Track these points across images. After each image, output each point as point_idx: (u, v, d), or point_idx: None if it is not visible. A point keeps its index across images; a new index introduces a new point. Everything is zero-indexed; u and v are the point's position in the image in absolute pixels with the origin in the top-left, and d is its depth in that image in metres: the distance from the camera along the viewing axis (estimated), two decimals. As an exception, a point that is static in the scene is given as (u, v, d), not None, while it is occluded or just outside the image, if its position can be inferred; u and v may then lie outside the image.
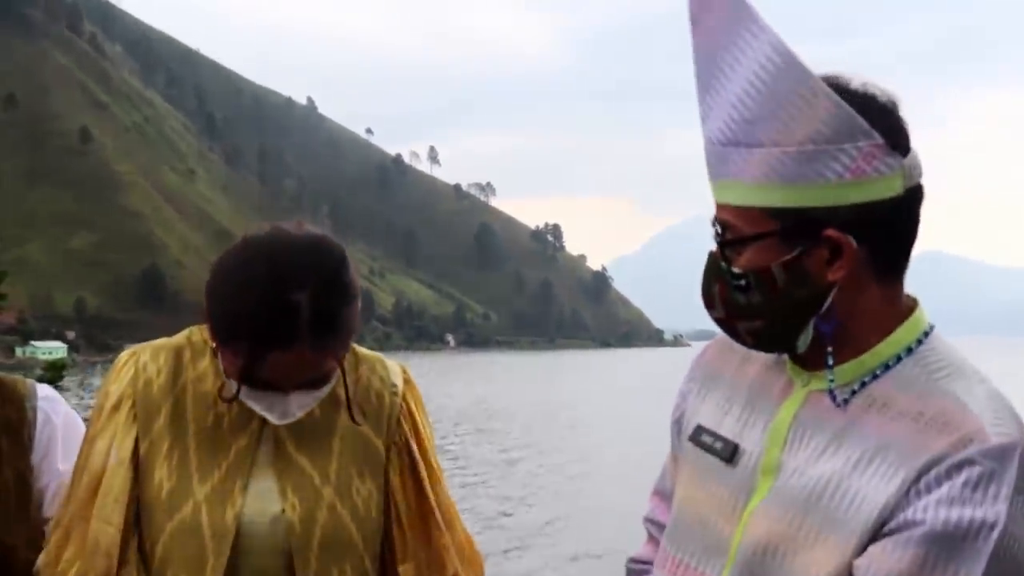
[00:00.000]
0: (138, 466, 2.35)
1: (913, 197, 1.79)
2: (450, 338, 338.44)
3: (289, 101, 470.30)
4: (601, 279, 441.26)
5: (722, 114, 1.79)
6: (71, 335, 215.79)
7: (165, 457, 2.35)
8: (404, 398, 2.44)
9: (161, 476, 2.34)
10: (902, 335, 1.86)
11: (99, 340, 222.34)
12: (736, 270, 1.83)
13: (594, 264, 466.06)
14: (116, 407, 2.39)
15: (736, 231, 1.83)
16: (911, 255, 1.85)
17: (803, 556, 1.80)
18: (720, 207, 1.86)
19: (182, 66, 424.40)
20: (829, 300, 1.81)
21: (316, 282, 2.20)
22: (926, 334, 1.88)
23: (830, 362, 1.85)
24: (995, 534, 1.65)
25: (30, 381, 2.61)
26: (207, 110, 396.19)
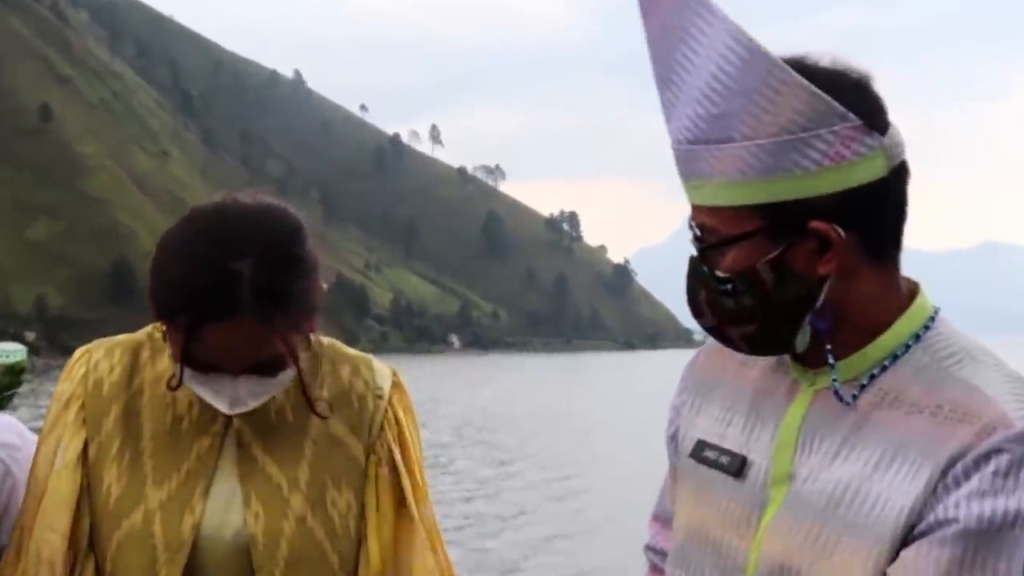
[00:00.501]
0: (87, 470, 2.37)
1: (898, 176, 1.85)
2: (454, 339, 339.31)
3: (274, 75, 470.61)
4: (623, 273, 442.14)
5: (686, 111, 1.83)
6: (31, 336, 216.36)
7: (114, 460, 2.35)
8: (390, 402, 2.43)
9: (110, 480, 2.34)
10: (906, 322, 1.91)
11: (62, 342, 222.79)
12: (720, 274, 1.88)
13: (615, 256, 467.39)
14: (65, 407, 2.42)
15: (716, 233, 1.87)
16: (903, 237, 1.92)
17: (827, 568, 1.85)
18: (696, 209, 1.91)
19: (154, 35, 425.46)
20: (822, 295, 1.86)
21: (261, 250, 2.22)
22: (932, 319, 1.93)
23: (831, 360, 1.90)
24: None
25: None
26: (182, 85, 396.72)
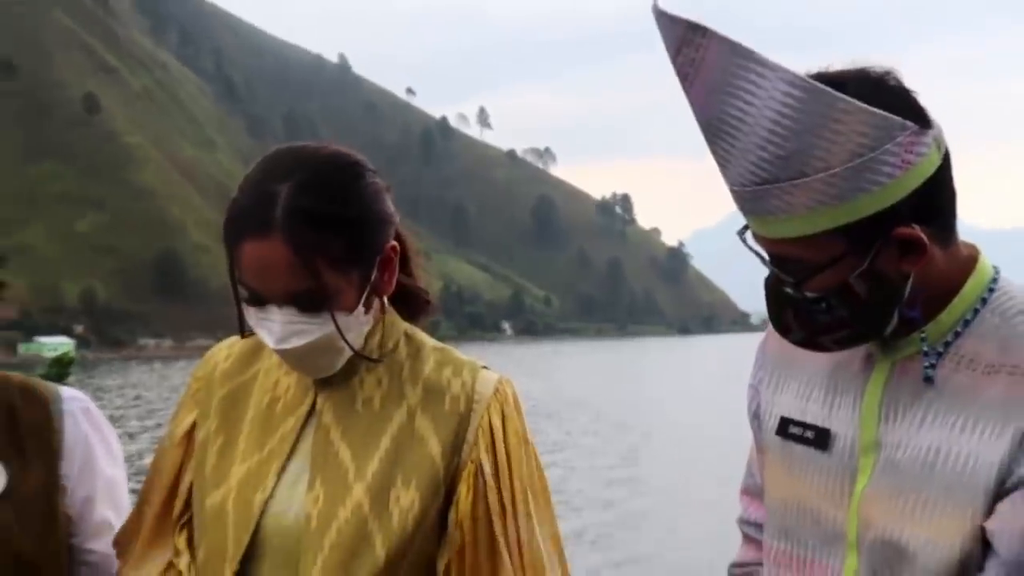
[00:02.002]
0: (192, 448, 2.48)
1: (946, 158, 1.98)
2: (507, 326, 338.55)
3: (318, 59, 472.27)
4: (678, 256, 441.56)
5: (748, 157, 1.93)
6: (79, 329, 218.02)
7: (214, 439, 2.44)
8: (489, 410, 2.34)
9: (208, 458, 2.43)
10: (972, 287, 2.05)
11: (110, 335, 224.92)
12: (811, 294, 2.00)
13: (669, 239, 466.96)
14: (187, 390, 2.55)
15: (804, 262, 1.99)
16: (956, 209, 2.03)
17: (928, 528, 1.97)
18: (772, 242, 2.02)
19: (197, 23, 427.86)
20: (908, 287, 2.00)
21: (304, 174, 2.25)
22: (995, 280, 2.07)
23: (925, 347, 2.05)
24: None
25: (53, 384, 2.69)
26: (226, 72, 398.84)
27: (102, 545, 2.60)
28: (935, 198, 1.96)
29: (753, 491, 2.47)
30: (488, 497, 2.29)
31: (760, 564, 2.40)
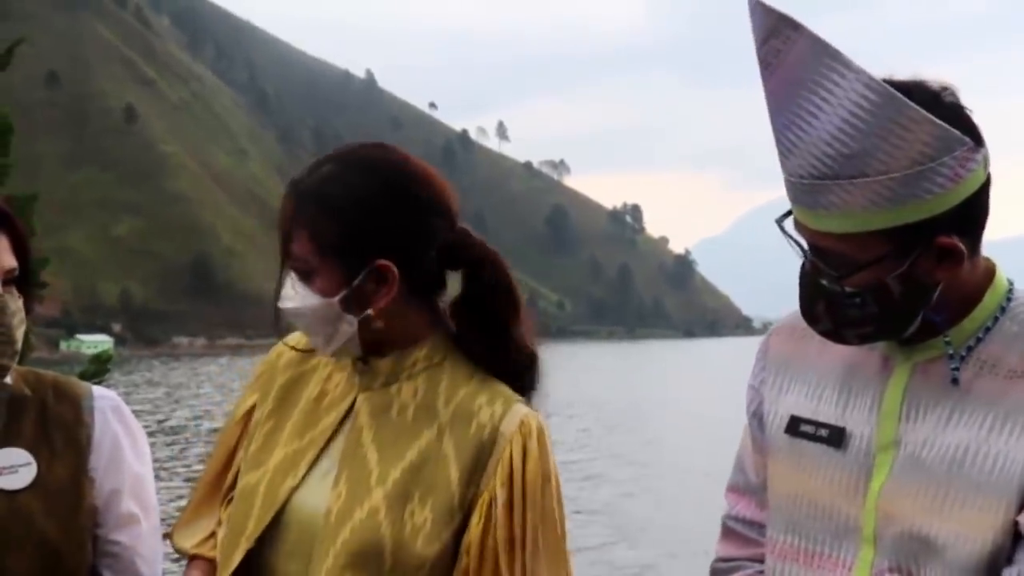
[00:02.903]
0: (248, 425, 2.51)
1: (989, 176, 1.98)
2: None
3: (346, 74, 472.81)
4: (685, 263, 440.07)
5: (813, 151, 1.92)
6: (117, 328, 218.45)
7: (265, 422, 2.45)
8: (512, 444, 2.27)
9: (256, 440, 2.45)
10: (992, 297, 2.07)
11: (146, 333, 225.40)
12: (849, 289, 2.01)
13: (677, 247, 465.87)
14: (254, 375, 2.57)
15: (847, 257, 1.99)
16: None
17: (957, 523, 1.96)
18: (821, 235, 2.00)
19: (232, 38, 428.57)
20: (936, 293, 2.01)
21: (348, 166, 2.30)
22: (1011, 291, 2.09)
23: (950, 350, 2.06)
24: None
25: (86, 383, 2.71)
26: (258, 85, 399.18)
27: (126, 537, 2.62)
28: (975, 212, 1.97)
29: (742, 488, 2.44)
30: (498, 529, 2.24)
31: (745, 560, 2.39)
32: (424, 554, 2.22)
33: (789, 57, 1.90)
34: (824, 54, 1.88)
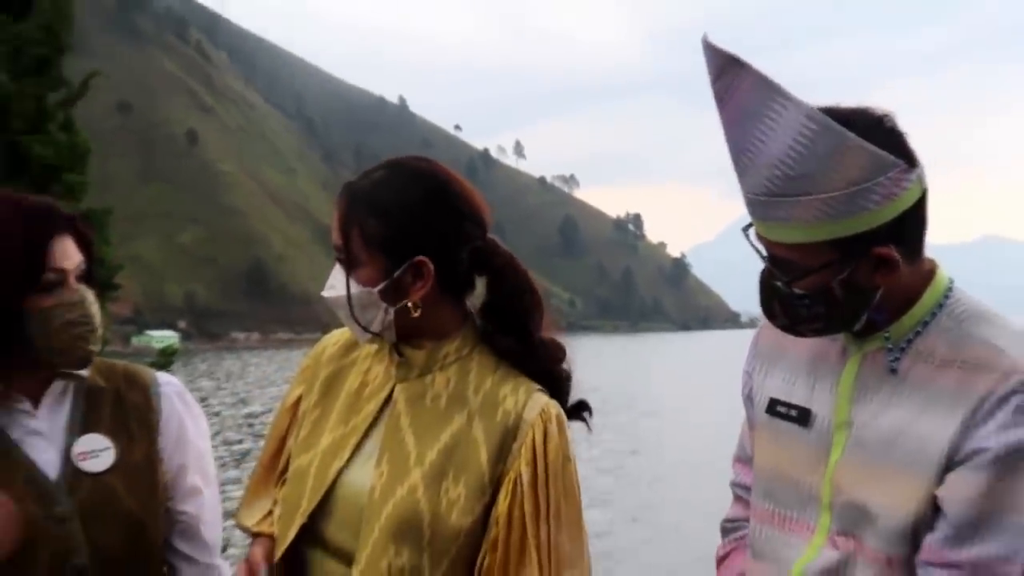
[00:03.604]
0: (296, 414, 2.51)
1: (924, 193, 1.98)
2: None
3: (381, 100, 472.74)
4: (680, 266, 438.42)
5: (763, 172, 1.94)
6: (182, 324, 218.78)
7: (312, 411, 2.44)
8: (534, 429, 2.26)
9: (304, 426, 2.44)
10: (931, 295, 2.06)
11: (208, 329, 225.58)
12: (798, 291, 2.03)
13: (673, 251, 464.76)
14: (300, 369, 2.56)
15: (798, 264, 2.01)
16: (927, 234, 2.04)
17: (887, 493, 2.01)
18: (774, 245, 2.03)
19: (281, 70, 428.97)
20: (877, 296, 2.02)
21: (396, 172, 2.30)
22: (950, 290, 2.08)
23: (888, 344, 2.08)
24: None
25: (151, 370, 2.69)
26: (305, 111, 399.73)
27: (192, 507, 2.62)
28: (911, 225, 1.97)
29: (743, 459, 2.47)
30: (524, 503, 2.23)
31: (746, 520, 2.39)
32: (458, 525, 2.22)
33: (738, 92, 1.92)
34: (768, 88, 1.89)
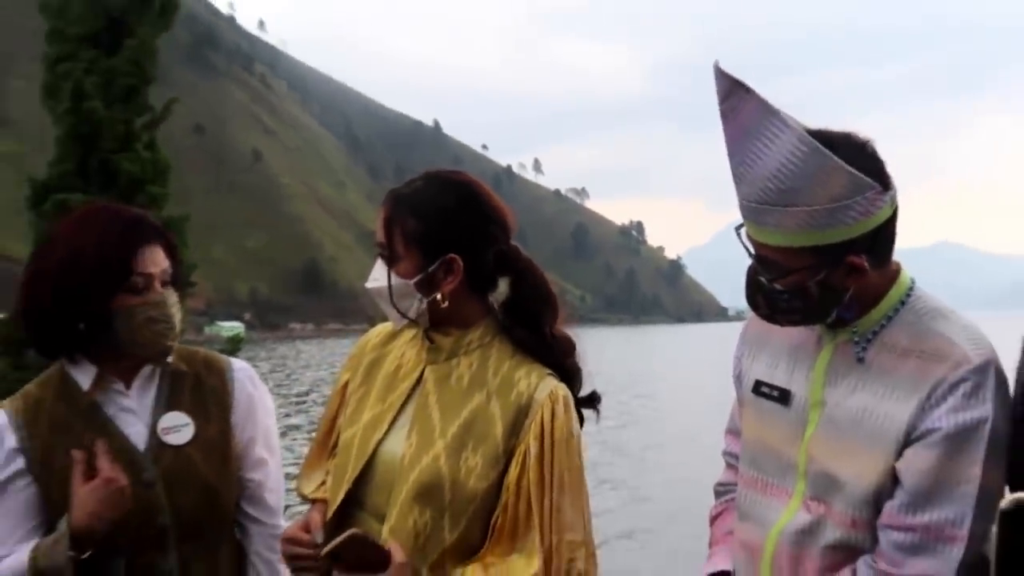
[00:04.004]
0: (344, 396, 2.51)
1: (895, 212, 1.99)
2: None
3: (419, 123, 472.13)
4: (676, 267, 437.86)
5: (757, 183, 1.93)
6: (247, 316, 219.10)
7: (356, 391, 2.46)
8: (543, 408, 2.25)
9: (350, 405, 2.45)
10: (895, 293, 2.07)
11: (269, 320, 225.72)
12: (779, 287, 2.02)
13: (671, 254, 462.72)
14: (348, 358, 2.57)
15: (781, 264, 2.00)
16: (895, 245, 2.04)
17: (854, 465, 2.01)
18: (762, 246, 2.02)
19: (333, 97, 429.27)
20: (847, 296, 2.02)
21: (432, 180, 2.31)
22: (911, 289, 2.08)
23: (856, 337, 2.08)
24: (988, 425, 1.91)
25: (227, 357, 2.70)
26: (353, 133, 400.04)
27: (258, 475, 2.63)
28: (882, 239, 1.98)
29: (734, 431, 2.46)
30: (531, 473, 2.22)
31: (735, 484, 2.39)
32: (475, 490, 2.22)
33: (741, 113, 1.91)
34: (768, 112, 1.89)
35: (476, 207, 2.30)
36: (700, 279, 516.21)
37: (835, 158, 1.88)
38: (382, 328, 2.53)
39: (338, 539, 2.14)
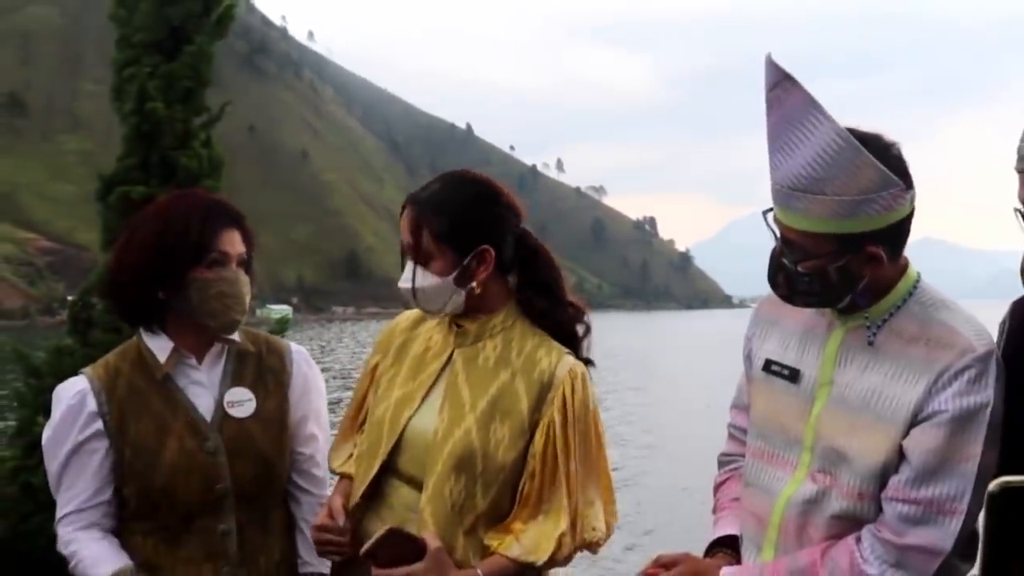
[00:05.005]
0: (374, 378, 2.50)
1: (913, 210, 1.97)
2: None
3: (452, 126, 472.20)
4: (686, 258, 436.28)
5: (792, 169, 1.91)
6: (294, 300, 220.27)
7: (387, 372, 2.44)
8: (564, 384, 2.27)
9: (382, 385, 2.43)
10: (903, 284, 2.05)
11: (314, 304, 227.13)
12: (801, 270, 2.00)
13: (680, 247, 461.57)
14: (377, 341, 2.55)
15: (805, 248, 1.97)
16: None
17: (862, 441, 1.99)
18: (788, 229, 1.99)
19: (374, 101, 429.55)
20: (863, 282, 2.00)
21: (451, 177, 2.30)
22: (917, 282, 2.07)
23: (867, 323, 2.06)
24: (988, 410, 1.91)
25: (287, 341, 2.72)
26: (392, 134, 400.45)
27: (309, 449, 2.63)
28: (899, 233, 1.97)
29: (740, 406, 2.43)
30: (556, 442, 2.24)
31: (740, 455, 2.38)
32: (504, 460, 2.23)
33: (786, 102, 1.89)
34: (811, 104, 1.87)
35: (493, 198, 2.29)
36: (707, 270, 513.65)
37: (867, 154, 1.86)
38: (410, 313, 2.51)
39: (375, 538, 2.12)
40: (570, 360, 2.31)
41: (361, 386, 2.53)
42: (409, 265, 2.28)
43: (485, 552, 2.24)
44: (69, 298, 6.57)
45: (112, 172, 6.03)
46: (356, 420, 2.53)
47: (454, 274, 2.25)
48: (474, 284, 2.27)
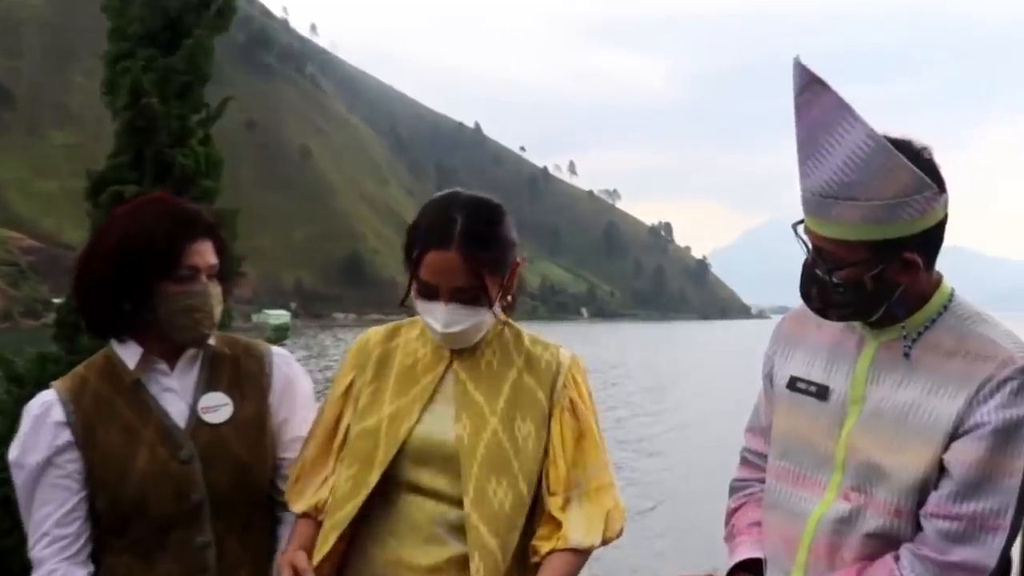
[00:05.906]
0: (349, 398, 2.49)
1: (946, 216, 1.98)
2: (584, 311, 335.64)
3: (460, 125, 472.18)
4: (702, 266, 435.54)
5: (824, 175, 1.91)
6: (293, 305, 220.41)
7: (367, 386, 2.44)
8: (570, 370, 2.42)
9: (362, 400, 2.43)
10: (938, 298, 2.07)
11: (313, 309, 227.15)
12: (836, 280, 2.00)
13: (697, 254, 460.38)
14: (348, 358, 2.55)
15: (839, 257, 1.98)
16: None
17: (901, 456, 2.00)
18: (822, 238, 1.99)
19: (378, 98, 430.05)
20: (898, 292, 2.01)
21: (473, 209, 2.30)
22: (952, 295, 2.09)
23: (904, 331, 2.07)
24: None
25: (266, 343, 2.72)
26: (397, 132, 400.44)
27: (291, 454, 2.60)
28: (933, 239, 1.98)
29: (756, 429, 2.43)
30: (572, 425, 2.38)
31: (754, 480, 2.39)
32: (536, 452, 2.33)
33: (816, 106, 1.90)
34: (841, 107, 1.88)
35: (504, 214, 2.38)
36: (725, 278, 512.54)
37: (900, 155, 1.87)
38: (377, 329, 2.54)
39: None
40: (567, 352, 2.46)
41: (333, 408, 2.50)
42: (448, 307, 2.30)
43: (532, 554, 2.31)
44: (54, 300, 6.49)
45: (103, 169, 5.96)
46: (330, 446, 2.48)
47: (497, 299, 2.34)
48: (510, 297, 2.40)
